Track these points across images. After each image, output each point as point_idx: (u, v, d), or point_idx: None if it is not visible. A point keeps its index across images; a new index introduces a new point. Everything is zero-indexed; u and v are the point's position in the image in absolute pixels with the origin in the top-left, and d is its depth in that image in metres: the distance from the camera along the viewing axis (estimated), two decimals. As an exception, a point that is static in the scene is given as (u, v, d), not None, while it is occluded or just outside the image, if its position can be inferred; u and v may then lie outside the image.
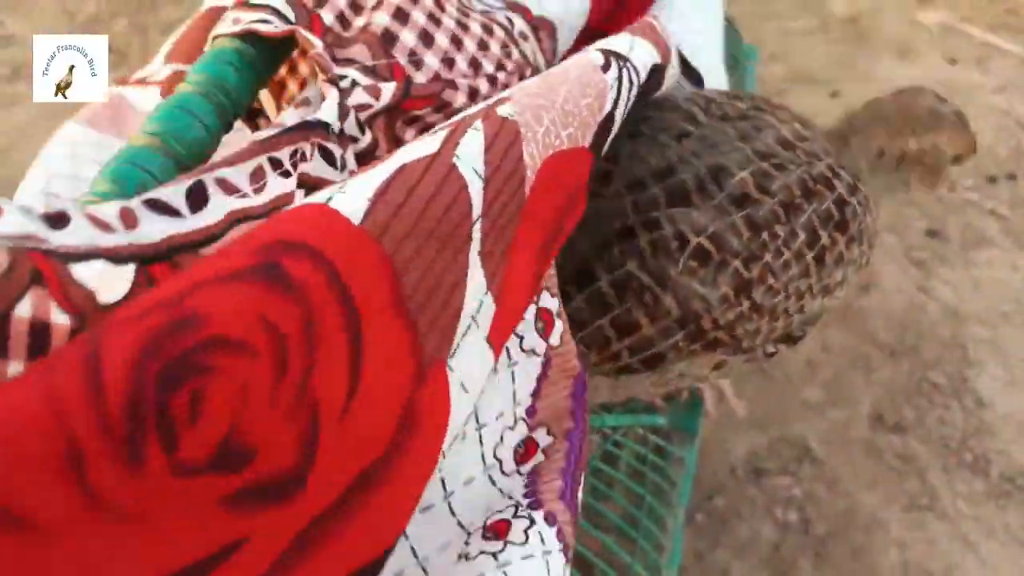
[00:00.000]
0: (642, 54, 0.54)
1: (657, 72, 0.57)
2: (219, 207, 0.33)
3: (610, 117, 0.48)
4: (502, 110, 0.38)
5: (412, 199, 0.32)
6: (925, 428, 1.32)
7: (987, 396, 1.39)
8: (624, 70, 0.50)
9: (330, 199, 0.31)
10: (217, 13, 0.48)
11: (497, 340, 0.40)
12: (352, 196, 0.31)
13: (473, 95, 0.51)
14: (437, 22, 0.51)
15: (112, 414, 0.24)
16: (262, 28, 0.43)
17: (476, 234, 0.35)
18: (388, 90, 0.46)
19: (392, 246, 0.31)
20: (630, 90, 0.51)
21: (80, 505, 0.24)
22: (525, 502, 0.44)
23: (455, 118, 0.40)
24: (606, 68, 0.49)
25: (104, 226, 0.29)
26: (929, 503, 1.23)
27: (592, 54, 0.50)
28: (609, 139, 0.49)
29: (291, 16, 0.44)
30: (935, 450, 1.30)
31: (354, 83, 0.45)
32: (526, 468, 0.47)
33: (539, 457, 0.49)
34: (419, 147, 0.35)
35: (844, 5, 2.18)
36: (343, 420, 0.30)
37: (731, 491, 1.24)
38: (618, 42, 0.53)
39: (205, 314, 0.26)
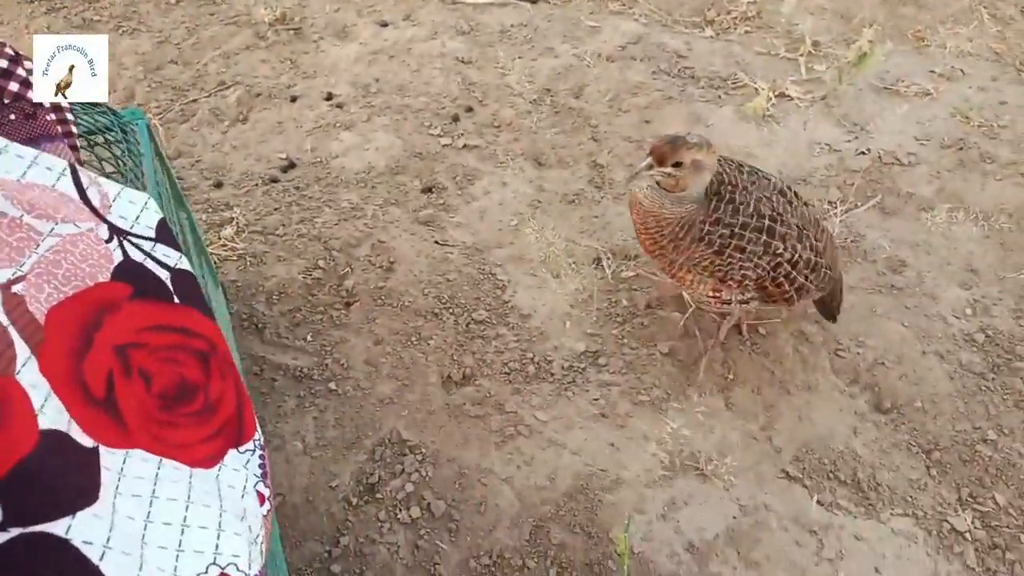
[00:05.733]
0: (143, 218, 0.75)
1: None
2: None
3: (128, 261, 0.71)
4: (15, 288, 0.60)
5: None
6: (488, 365, 1.42)
7: (526, 306, 1.54)
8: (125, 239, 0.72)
9: None
10: None
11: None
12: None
13: None
14: None
15: None
16: None
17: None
18: None
19: None
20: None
21: None
22: None
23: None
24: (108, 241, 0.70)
25: None
26: (515, 429, 1.33)
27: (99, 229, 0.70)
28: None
29: None
30: (502, 379, 1.40)
31: None
32: None
33: None
34: None
35: (267, 9, 2.19)
36: None
37: (355, 524, 1.22)
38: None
39: None
